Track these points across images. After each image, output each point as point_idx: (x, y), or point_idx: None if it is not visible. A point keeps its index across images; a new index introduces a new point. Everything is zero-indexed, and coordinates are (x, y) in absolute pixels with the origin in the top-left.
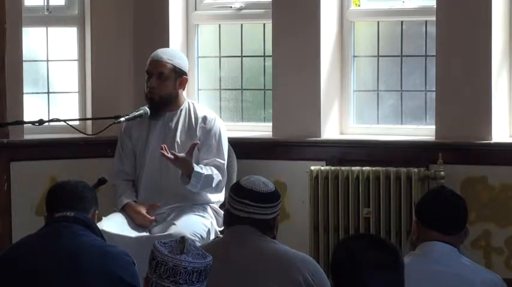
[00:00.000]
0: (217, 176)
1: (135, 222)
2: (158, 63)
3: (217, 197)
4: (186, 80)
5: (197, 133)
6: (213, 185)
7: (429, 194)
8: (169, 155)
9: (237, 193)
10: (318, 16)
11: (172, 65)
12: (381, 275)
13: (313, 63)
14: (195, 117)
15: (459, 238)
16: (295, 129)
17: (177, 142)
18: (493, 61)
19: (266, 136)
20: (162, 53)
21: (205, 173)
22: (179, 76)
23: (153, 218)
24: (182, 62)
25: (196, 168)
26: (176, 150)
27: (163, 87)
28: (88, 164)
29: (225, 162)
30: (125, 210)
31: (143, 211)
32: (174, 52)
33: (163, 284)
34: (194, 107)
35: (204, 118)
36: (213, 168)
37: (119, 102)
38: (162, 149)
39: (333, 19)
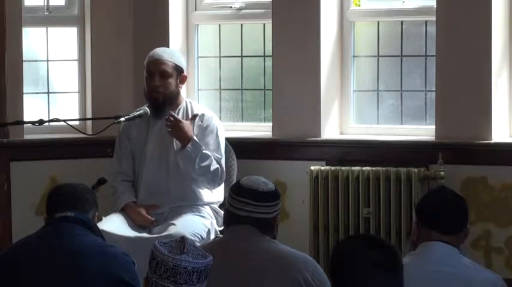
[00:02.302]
0: (215, 163)
1: (135, 223)
2: (160, 62)
3: (217, 197)
4: (186, 77)
5: (194, 131)
6: (211, 169)
7: (430, 194)
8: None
9: (237, 192)
10: (318, 16)
11: (173, 62)
12: (380, 275)
13: (313, 63)
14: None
15: (460, 238)
16: (295, 129)
17: (176, 141)
18: (493, 61)
19: (266, 136)
20: (162, 52)
21: (204, 151)
22: (179, 74)
23: (153, 219)
24: (181, 60)
25: (195, 138)
26: (175, 148)
27: (167, 85)
28: (88, 164)
29: (222, 157)
30: (124, 211)
31: (143, 211)
32: (172, 50)
33: (163, 284)
34: (191, 106)
35: (202, 116)
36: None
37: (119, 102)
38: (167, 121)
39: (333, 19)
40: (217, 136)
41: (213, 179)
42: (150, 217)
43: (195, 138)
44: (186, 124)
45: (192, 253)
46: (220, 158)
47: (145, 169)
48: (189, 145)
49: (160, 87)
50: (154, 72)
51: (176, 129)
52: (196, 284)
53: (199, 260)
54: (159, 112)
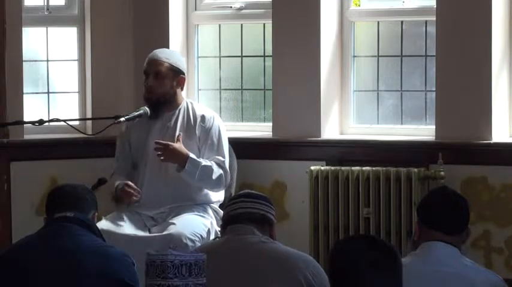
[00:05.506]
0: (217, 169)
1: (123, 201)
2: (155, 62)
3: (218, 197)
4: (184, 79)
5: (196, 132)
6: (214, 177)
7: (431, 194)
8: (160, 152)
9: (232, 198)
10: (318, 16)
11: (169, 63)
12: (379, 275)
13: (313, 63)
14: (193, 117)
15: (461, 238)
16: (295, 129)
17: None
18: (493, 61)
19: (266, 136)
20: (159, 52)
21: (203, 163)
22: (176, 75)
23: (138, 197)
24: (179, 62)
25: (192, 155)
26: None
27: (161, 86)
28: (88, 164)
29: (225, 159)
30: (118, 194)
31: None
32: (171, 52)
33: (154, 283)
34: (193, 107)
35: (203, 117)
36: (212, 162)
37: (118, 102)
38: (156, 149)
39: (333, 19)
40: (220, 137)
41: (217, 185)
42: (132, 190)
43: (191, 155)
44: (177, 145)
45: (180, 250)
46: (223, 161)
47: (145, 169)
48: (187, 164)
49: (153, 87)
50: (149, 73)
51: (168, 154)
52: (188, 278)
53: (186, 253)
54: (155, 112)
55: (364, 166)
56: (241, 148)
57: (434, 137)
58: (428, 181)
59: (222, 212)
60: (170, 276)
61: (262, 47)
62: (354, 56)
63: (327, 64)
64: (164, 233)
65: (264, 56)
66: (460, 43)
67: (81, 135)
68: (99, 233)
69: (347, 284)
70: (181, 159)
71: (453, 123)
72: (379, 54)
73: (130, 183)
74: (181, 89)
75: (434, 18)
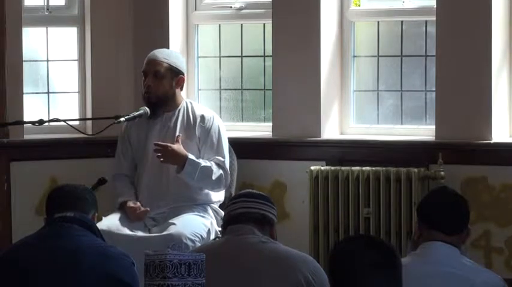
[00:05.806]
0: (217, 170)
1: (130, 219)
2: (154, 62)
3: (218, 197)
4: (183, 79)
5: (196, 132)
6: (213, 178)
7: (431, 194)
8: (159, 154)
9: (233, 197)
10: (318, 16)
11: (168, 63)
12: (379, 275)
13: (313, 63)
14: (193, 117)
15: (461, 238)
16: (295, 129)
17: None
18: (493, 61)
19: (266, 136)
20: (158, 52)
21: (203, 164)
22: (175, 75)
23: (147, 208)
24: (178, 62)
25: (191, 156)
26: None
27: (160, 86)
28: (88, 164)
29: (225, 159)
30: (122, 208)
31: (136, 207)
32: (170, 52)
33: (154, 283)
34: (192, 107)
35: (202, 117)
36: (212, 162)
37: (119, 102)
38: (156, 151)
39: (333, 19)
40: (219, 137)
41: (217, 185)
42: (142, 209)
43: (190, 156)
44: (175, 146)
45: (178, 250)
46: (223, 161)
47: (145, 169)
48: (186, 165)
49: (152, 87)
50: (148, 73)
51: (167, 156)
52: (188, 277)
53: (185, 253)
54: (155, 112)
55: (364, 166)
56: (241, 147)
57: (434, 137)
58: (428, 181)
59: (222, 212)
60: (169, 276)
61: (262, 47)
62: (354, 56)
63: (327, 64)
64: (164, 233)
65: (264, 56)
66: (460, 43)
67: (81, 135)
68: (99, 233)
69: (347, 284)
70: (181, 160)
71: (453, 123)
72: (379, 54)
73: (135, 205)
74: (181, 89)
75: (434, 18)
